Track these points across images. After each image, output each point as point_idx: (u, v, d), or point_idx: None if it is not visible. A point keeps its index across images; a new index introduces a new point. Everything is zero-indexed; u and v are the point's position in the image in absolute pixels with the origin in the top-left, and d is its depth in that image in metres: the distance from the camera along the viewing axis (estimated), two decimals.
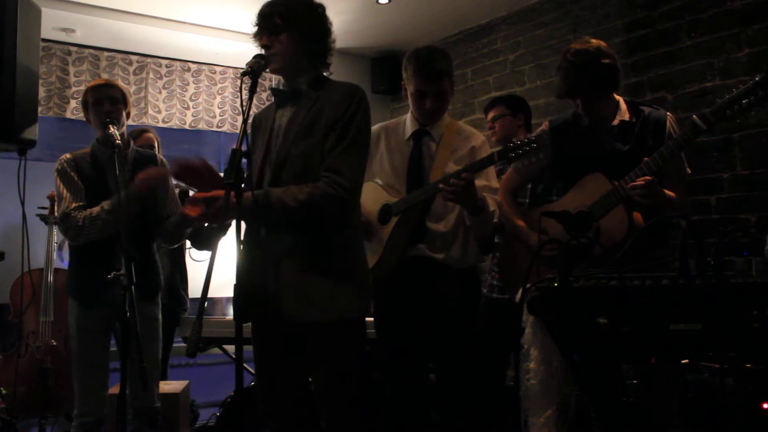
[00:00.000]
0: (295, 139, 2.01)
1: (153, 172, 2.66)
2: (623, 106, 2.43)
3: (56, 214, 2.72)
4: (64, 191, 2.64)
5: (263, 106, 5.07)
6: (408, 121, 2.59)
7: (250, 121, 1.98)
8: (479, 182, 2.40)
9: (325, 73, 2.15)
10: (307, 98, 2.06)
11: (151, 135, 3.58)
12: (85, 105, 2.72)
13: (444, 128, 2.55)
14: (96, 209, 2.57)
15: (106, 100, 2.65)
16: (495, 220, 2.49)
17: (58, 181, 2.67)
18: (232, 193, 1.72)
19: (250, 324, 2.18)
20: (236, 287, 1.71)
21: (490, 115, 3.24)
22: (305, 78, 2.09)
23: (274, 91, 2.19)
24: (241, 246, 2.10)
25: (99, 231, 2.55)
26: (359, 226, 2.17)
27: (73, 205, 2.61)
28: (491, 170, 2.52)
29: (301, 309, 1.97)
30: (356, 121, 2.00)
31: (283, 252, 2.00)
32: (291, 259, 1.99)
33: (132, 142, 2.81)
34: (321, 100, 2.03)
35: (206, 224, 3.27)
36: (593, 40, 2.41)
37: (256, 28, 2.11)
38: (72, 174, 2.66)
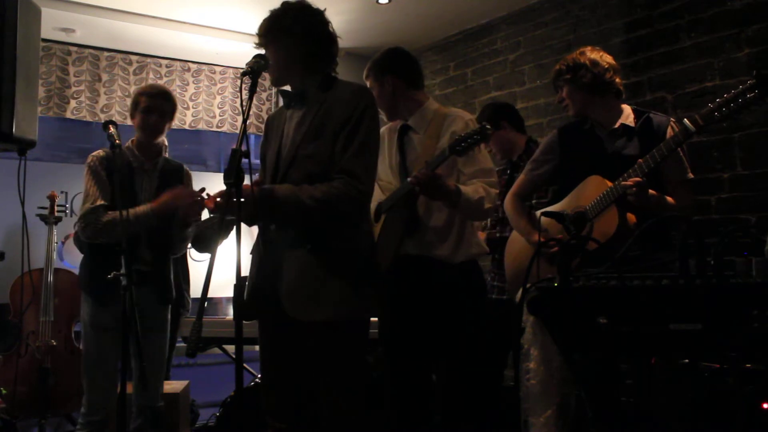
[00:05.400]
0: (303, 140, 2.03)
1: (181, 194, 2.66)
2: (627, 111, 2.47)
3: (80, 208, 2.70)
4: (93, 188, 2.64)
5: (263, 106, 5.11)
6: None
7: (250, 120, 1.99)
8: (470, 168, 2.43)
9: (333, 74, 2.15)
10: (315, 100, 2.07)
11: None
12: (135, 105, 2.73)
13: (431, 116, 2.55)
14: (118, 216, 2.54)
15: (157, 112, 2.69)
16: (489, 205, 2.41)
17: (89, 176, 2.68)
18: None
19: (251, 323, 2.19)
20: (237, 286, 1.71)
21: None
22: (312, 80, 2.10)
23: (282, 93, 2.19)
24: (254, 244, 2.13)
25: (114, 237, 2.54)
26: (368, 228, 2.18)
27: (99, 202, 2.61)
28: (482, 153, 2.47)
29: (307, 309, 1.97)
30: (365, 122, 2.01)
31: (291, 251, 2.01)
32: (298, 258, 1.99)
33: (164, 150, 2.83)
34: (329, 102, 2.05)
35: (207, 226, 3.31)
36: (598, 53, 2.49)
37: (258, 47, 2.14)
38: (102, 173, 2.66)
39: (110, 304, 2.59)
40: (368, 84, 2.62)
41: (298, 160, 2.02)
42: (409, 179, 2.31)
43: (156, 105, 2.70)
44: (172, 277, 2.82)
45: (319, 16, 2.11)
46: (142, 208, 2.59)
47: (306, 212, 1.94)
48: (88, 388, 2.60)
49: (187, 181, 2.87)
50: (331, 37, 2.13)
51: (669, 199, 2.33)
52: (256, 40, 2.14)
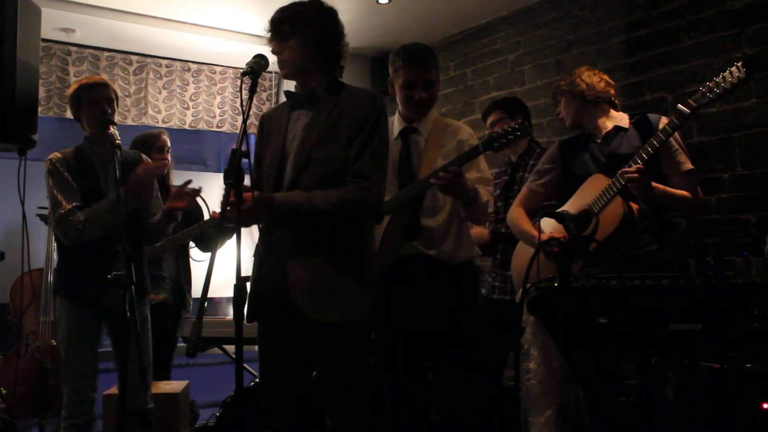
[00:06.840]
0: (317, 143, 2.03)
1: (148, 167, 2.66)
2: (622, 116, 2.53)
3: (50, 217, 2.63)
4: (58, 194, 2.57)
5: (263, 106, 5.11)
6: (395, 121, 2.63)
7: (250, 120, 1.99)
8: (472, 174, 2.46)
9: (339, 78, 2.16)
10: (325, 102, 2.08)
11: (166, 137, 3.67)
12: (77, 102, 2.66)
13: (431, 124, 2.58)
14: (94, 209, 2.54)
15: (104, 101, 2.63)
16: (490, 210, 2.53)
17: (51, 182, 2.60)
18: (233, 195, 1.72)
19: (250, 324, 2.19)
20: (237, 286, 1.70)
21: (489, 120, 3.26)
22: (320, 82, 2.10)
23: (288, 94, 2.19)
24: (255, 246, 2.13)
25: (99, 231, 2.52)
26: (371, 231, 2.19)
27: (69, 206, 2.55)
28: (483, 162, 2.55)
29: (319, 310, 1.98)
30: (380, 128, 2.05)
31: (301, 253, 2.01)
32: (310, 260, 2.00)
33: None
34: (341, 105, 2.05)
35: (210, 226, 3.33)
36: (593, 70, 2.62)
37: (269, 34, 2.12)
38: (65, 174, 2.60)
39: (90, 307, 2.57)
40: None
41: (312, 162, 2.02)
42: (432, 179, 2.32)
43: (102, 94, 2.63)
44: (146, 273, 2.78)
45: (337, 18, 2.13)
46: (113, 196, 2.50)
47: (321, 217, 1.95)
48: (70, 393, 2.57)
49: None
50: (344, 46, 2.14)
51: (677, 191, 2.34)
52: (265, 31, 2.13)
